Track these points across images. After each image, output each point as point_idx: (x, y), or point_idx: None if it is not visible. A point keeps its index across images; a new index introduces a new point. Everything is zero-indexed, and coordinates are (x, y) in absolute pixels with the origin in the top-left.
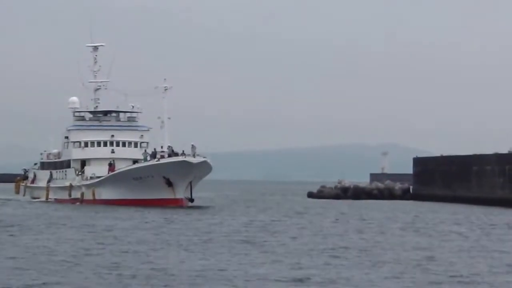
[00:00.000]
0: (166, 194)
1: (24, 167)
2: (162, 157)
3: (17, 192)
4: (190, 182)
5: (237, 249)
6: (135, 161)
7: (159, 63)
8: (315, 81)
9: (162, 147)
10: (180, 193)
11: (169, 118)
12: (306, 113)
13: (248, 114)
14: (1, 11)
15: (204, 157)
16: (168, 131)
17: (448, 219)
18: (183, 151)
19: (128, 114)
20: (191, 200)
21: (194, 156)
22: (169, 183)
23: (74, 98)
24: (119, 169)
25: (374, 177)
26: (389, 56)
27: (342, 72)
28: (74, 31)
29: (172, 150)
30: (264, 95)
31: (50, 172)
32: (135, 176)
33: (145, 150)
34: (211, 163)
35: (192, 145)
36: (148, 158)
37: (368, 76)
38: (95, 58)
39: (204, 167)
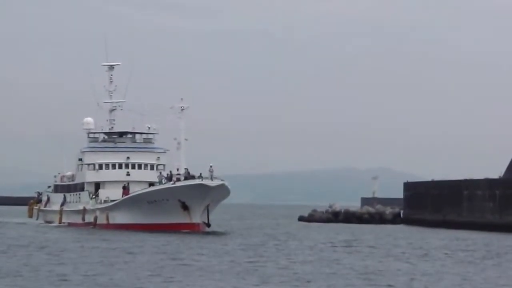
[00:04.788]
0: (182, 218)
1: (37, 190)
2: (178, 179)
3: (30, 215)
4: (207, 206)
5: None
6: (151, 184)
7: (176, 83)
8: (306, 105)
9: (178, 169)
10: (197, 218)
11: (186, 139)
12: (295, 136)
13: (236, 136)
14: (15, 30)
15: (222, 180)
16: (185, 153)
17: None
18: (200, 173)
19: (144, 136)
20: (208, 225)
21: (211, 178)
22: (185, 207)
23: (89, 119)
24: (133, 192)
25: (365, 201)
26: (382, 75)
27: (331, 96)
28: (89, 51)
29: (189, 173)
30: (256, 117)
31: (64, 195)
32: (149, 200)
33: (161, 173)
34: (229, 187)
35: (211, 166)
36: (164, 180)
37: (358, 98)
38: (110, 77)
39: (221, 191)
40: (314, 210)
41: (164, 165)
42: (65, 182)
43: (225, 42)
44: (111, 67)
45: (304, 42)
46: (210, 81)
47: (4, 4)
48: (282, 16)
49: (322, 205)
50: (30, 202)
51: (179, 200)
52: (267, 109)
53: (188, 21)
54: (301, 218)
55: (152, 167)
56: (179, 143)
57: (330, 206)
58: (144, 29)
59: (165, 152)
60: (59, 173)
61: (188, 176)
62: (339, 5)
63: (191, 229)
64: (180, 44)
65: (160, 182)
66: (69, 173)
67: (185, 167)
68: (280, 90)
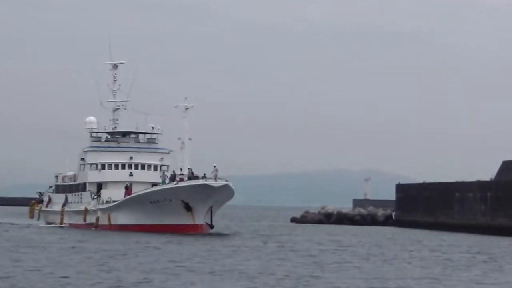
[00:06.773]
0: (185, 219)
1: (39, 190)
2: (182, 180)
3: (32, 216)
4: (211, 207)
5: None
6: (154, 185)
7: (181, 82)
8: (299, 106)
9: (181, 169)
10: (200, 219)
11: (190, 139)
12: (287, 137)
13: (229, 137)
14: (17, 28)
15: (226, 181)
16: (189, 153)
17: None
18: (204, 174)
19: (148, 136)
20: (211, 226)
21: (215, 179)
22: (188, 208)
23: (92, 118)
24: (135, 192)
25: (357, 202)
26: (374, 79)
27: (325, 97)
28: (93, 49)
29: (192, 173)
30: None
31: (65, 196)
32: (152, 200)
33: (164, 173)
34: (233, 187)
35: (214, 166)
36: (167, 181)
37: (350, 101)
38: (114, 76)
39: (225, 192)
40: (307, 212)
41: (168, 165)
42: (66, 182)
43: (226, 42)
44: (115, 66)
45: (303, 39)
46: (212, 80)
47: (5, 3)
48: (283, 15)
49: (314, 206)
50: (32, 203)
51: (182, 201)
52: (260, 110)
53: (191, 21)
54: (294, 220)
55: (155, 168)
56: (183, 143)
57: (323, 208)
58: (147, 29)
59: (169, 153)
60: (60, 173)
61: (192, 176)
62: (335, 6)
63: (194, 230)
64: (183, 44)
65: (163, 182)
66: (70, 173)
67: (189, 167)
68: (273, 91)
